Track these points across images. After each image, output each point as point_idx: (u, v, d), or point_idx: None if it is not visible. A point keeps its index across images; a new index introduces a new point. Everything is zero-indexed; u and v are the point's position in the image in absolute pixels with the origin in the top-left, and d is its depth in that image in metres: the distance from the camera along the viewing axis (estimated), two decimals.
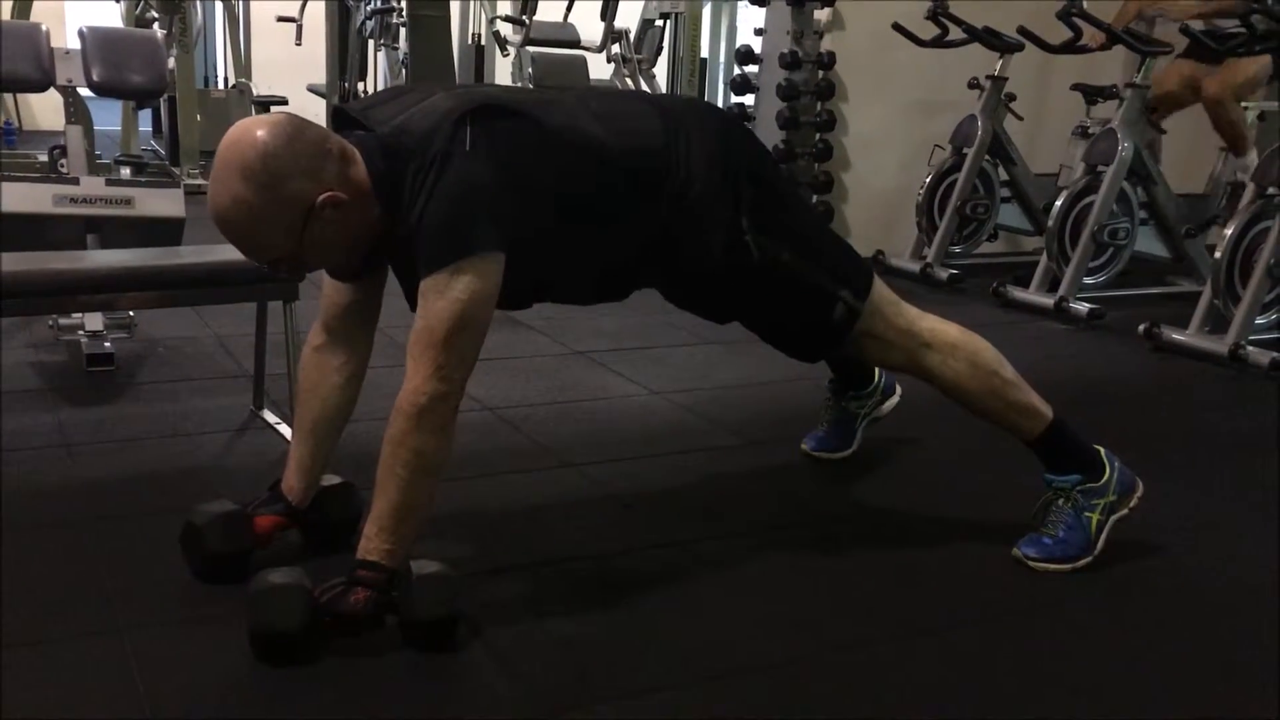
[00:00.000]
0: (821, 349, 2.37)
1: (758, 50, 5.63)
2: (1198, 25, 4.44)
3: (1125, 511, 2.26)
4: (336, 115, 1.92)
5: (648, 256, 2.08)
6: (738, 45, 6.33)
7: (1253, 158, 4.86)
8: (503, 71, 8.10)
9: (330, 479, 2.11)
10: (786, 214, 2.21)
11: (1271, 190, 3.95)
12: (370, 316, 2.08)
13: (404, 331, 1.80)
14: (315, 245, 1.80)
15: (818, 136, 5.44)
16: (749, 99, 5.72)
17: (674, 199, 2.01)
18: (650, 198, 2.00)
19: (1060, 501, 2.23)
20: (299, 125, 1.78)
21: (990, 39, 4.93)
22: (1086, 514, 2.22)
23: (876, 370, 2.75)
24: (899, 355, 2.24)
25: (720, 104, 7.55)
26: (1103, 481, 2.23)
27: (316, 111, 7.30)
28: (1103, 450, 2.27)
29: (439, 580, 1.80)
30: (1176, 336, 4.00)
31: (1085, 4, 4.50)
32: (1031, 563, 2.20)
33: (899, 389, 2.79)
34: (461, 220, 1.77)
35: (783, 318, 2.26)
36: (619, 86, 7.23)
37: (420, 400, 1.76)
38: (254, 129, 1.75)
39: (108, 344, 3.22)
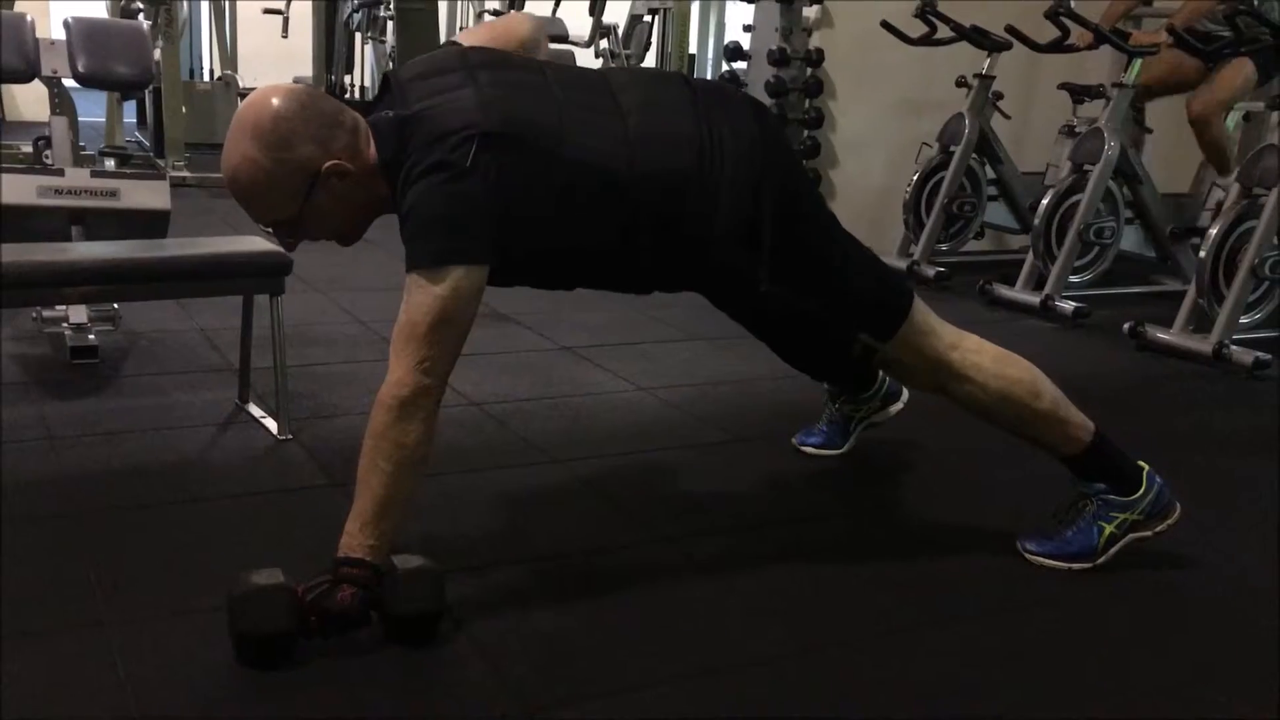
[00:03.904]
0: (834, 377, 2.42)
1: (746, 46, 5.64)
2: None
3: (1148, 534, 2.21)
4: (384, 81, 1.94)
5: (659, 277, 2.09)
6: (726, 41, 6.34)
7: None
8: None
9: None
10: (812, 253, 2.13)
11: (1256, 190, 3.97)
12: None
13: (387, 326, 1.80)
14: (317, 213, 1.84)
15: (805, 134, 5.45)
16: None
17: (693, 241, 1.98)
18: (666, 238, 1.98)
19: (1081, 503, 2.22)
20: (314, 95, 1.83)
21: (978, 37, 4.94)
22: (1100, 523, 2.19)
23: (879, 374, 2.66)
24: (924, 381, 2.23)
25: None
26: (1132, 498, 2.19)
27: None
28: (1147, 469, 2.22)
29: (424, 575, 1.79)
30: (1161, 335, 4.02)
31: (1073, 3, 4.51)
32: (1028, 555, 2.21)
33: (905, 394, 2.72)
34: (451, 224, 1.78)
35: (797, 346, 2.35)
36: None
37: (402, 393, 1.75)
38: (271, 94, 1.79)
39: (92, 336, 3.20)
